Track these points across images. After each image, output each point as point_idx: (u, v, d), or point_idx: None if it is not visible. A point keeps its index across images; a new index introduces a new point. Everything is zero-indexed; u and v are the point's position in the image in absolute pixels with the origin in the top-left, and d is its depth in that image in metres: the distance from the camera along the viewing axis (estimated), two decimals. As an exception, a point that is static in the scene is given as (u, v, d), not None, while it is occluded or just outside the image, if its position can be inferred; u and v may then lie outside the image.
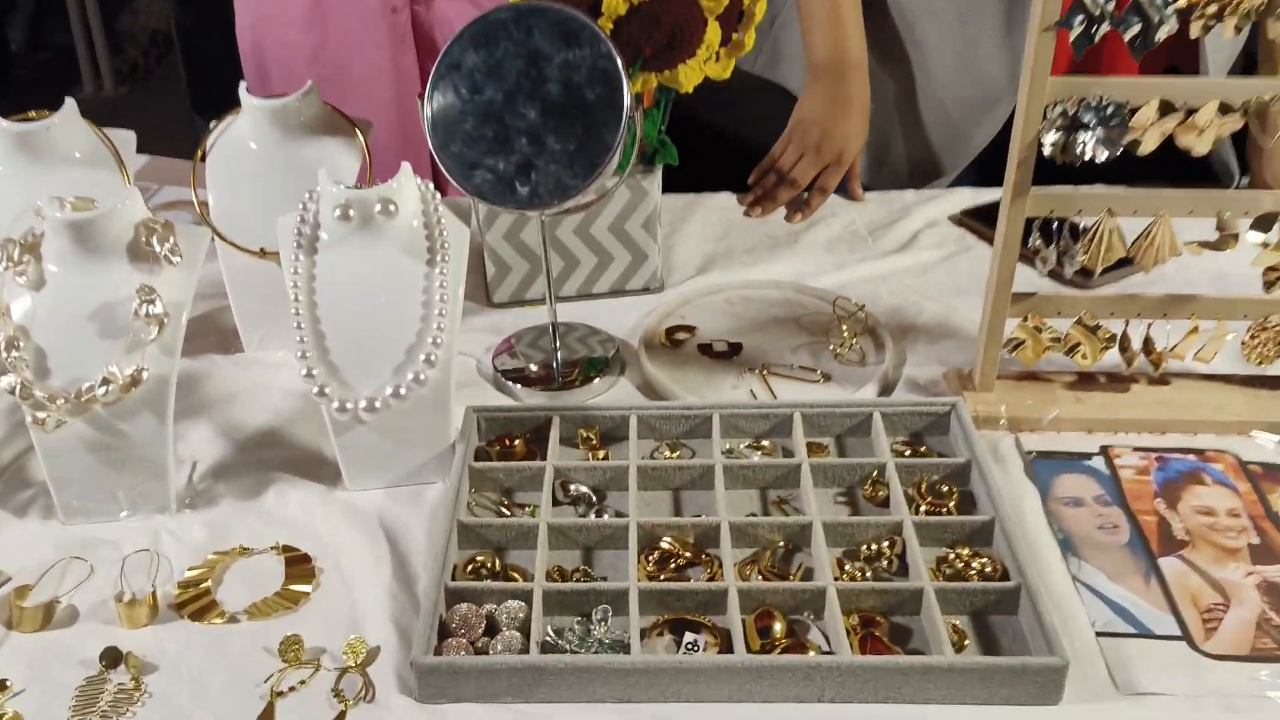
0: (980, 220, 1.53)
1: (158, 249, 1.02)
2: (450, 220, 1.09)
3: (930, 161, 1.65)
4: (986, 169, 1.70)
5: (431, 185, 1.09)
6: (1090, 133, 1.02)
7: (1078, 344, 1.15)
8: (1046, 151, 1.03)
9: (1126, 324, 1.16)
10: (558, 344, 1.26)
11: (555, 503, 1.05)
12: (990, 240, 1.49)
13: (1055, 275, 1.15)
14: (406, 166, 1.07)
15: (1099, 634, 0.93)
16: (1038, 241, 1.11)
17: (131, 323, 1.01)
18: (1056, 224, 1.09)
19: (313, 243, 1.06)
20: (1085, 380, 1.18)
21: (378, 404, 1.03)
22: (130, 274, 1.03)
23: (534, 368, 1.26)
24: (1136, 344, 1.15)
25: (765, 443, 1.12)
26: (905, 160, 1.66)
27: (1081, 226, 1.09)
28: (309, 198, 1.07)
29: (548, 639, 0.89)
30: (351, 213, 1.03)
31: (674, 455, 1.11)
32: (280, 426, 1.17)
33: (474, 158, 1.08)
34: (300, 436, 1.15)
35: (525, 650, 0.88)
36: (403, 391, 1.03)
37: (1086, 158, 1.02)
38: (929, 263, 1.45)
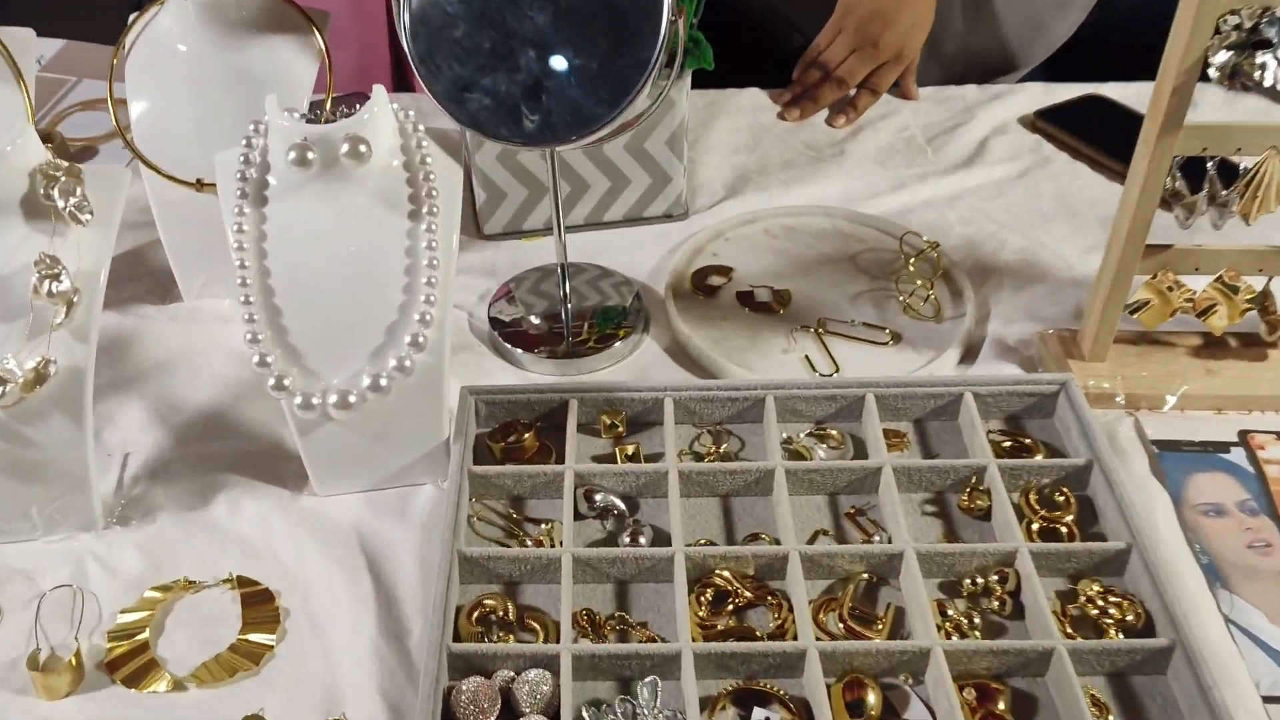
0: (1059, 124, 1.29)
1: (61, 203, 0.78)
2: (438, 158, 0.85)
3: (997, 55, 1.39)
4: (1055, 63, 1.45)
5: (413, 115, 0.84)
6: (1275, 54, 0.78)
7: (1213, 305, 0.93)
8: (1212, 75, 0.80)
9: (1269, 281, 0.94)
10: (568, 297, 1.03)
11: (577, 515, 0.85)
12: (1072, 150, 1.27)
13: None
14: (380, 91, 0.82)
15: (1266, 699, 0.75)
16: (1177, 184, 0.88)
17: (31, 302, 0.77)
18: (1209, 164, 0.87)
19: (261, 190, 0.82)
20: (1214, 345, 0.98)
21: (352, 398, 0.80)
22: (26, 237, 0.78)
23: (537, 320, 1.03)
24: (1282, 304, 0.95)
25: (832, 431, 0.91)
26: (963, 53, 1.40)
27: (1242, 167, 0.86)
28: (254, 131, 0.82)
29: (583, 731, 0.70)
30: (311, 155, 0.78)
31: (717, 449, 0.90)
32: (229, 406, 0.94)
33: (467, 76, 0.83)
34: (255, 421, 0.93)
35: (554, 740, 0.69)
36: (383, 382, 0.81)
37: (1267, 84, 0.78)
38: (1003, 180, 1.22)
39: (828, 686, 0.73)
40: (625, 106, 0.82)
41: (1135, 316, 0.94)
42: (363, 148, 0.79)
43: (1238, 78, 0.80)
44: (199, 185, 0.95)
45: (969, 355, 1.00)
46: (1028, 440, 0.90)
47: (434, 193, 0.82)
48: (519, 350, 0.99)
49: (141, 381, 0.96)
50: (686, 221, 1.16)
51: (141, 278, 1.07)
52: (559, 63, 0.82)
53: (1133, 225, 0.87)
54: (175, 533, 0.84)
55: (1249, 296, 0.93)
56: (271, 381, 0.80)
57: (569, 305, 1.03)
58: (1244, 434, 0.93)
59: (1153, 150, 0.84)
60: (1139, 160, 0.86)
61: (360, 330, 0.82)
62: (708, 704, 0.73)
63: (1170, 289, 0.92)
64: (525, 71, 0.82)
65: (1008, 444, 0.90)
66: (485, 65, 0.83)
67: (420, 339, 0.81)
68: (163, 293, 1.05)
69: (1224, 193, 0.87)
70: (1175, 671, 0.74)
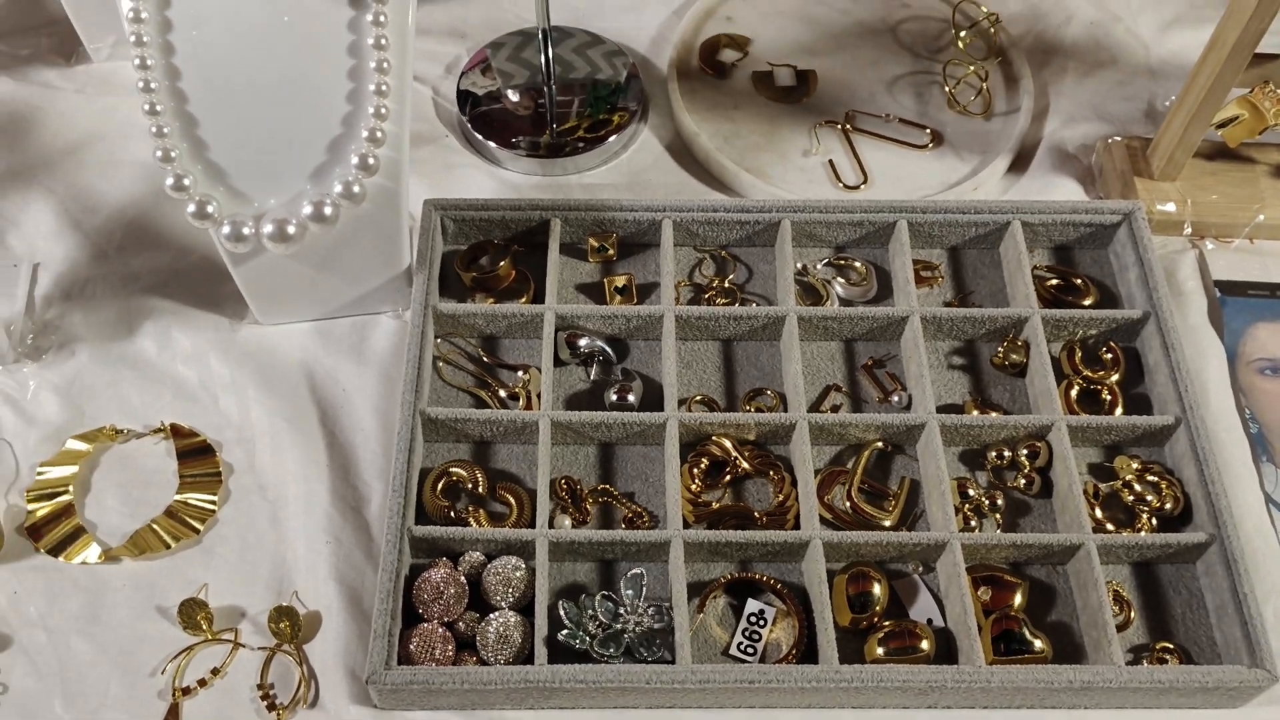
0: None
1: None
2: (385, -80, 0.67)
3: None
4: None
5: None
6: None
7: (1314, 123, 0.79)
8: None
9: (1380, 93, 0.79)
10: (552, 74, 0.87)
11: (558, 362, 0.74)
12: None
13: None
14: None
15: (1302, 596, 0.69)
16: (1307, -23, 0.71)
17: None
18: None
19: (159, -36, 0.64)
20: (1299, 164, 0.84)
21: (291, 228, 0.67)
22: None
23: (516, 96, 0.88)
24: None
25: (855, 262, 0.79)
26: None
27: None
28: (141, -116, 0.63)
29: (560, 636, 0.63)
30: (215, -74, 0.61)
31: (721, 280, 0.78)
32: (154, 207, 0.81)
33: None
34: (184, 226, 0.79)
35: (527, 641, 0.62)
36: (327, 210, 0.67)
37: None
38: (1077, -75, 1.02)
39: (831, 574, 0.66)
40: None
41: (1220, 133, 0.80)
42: (285, -85, 0.61)
43: None
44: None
45: (1020, 162, 0.86)
46: (1078, 281, 0.78)
47: (381, -29, 0.65)
48: (493, 144, 0.85)
49: (47, 172, 0.82)
50: (696, -31, 0.98)
51: (39, 32, 0.89)
52: None
53: (1242, 35, 0.71)
54: (98, 370, 0.74)
55: (1357, 113, 0.78)
56: (191, 208, 0.66)
57: (553, 85, 0.88)
58: (1321, 275, 0.81)
59: (1287, -60, 0.67)
60: (1265, -51, 0.69)
61: (298, 145, 0.67)
62: (698, 590, 0.66)
63: (1268, 106, 0.77)
64: None
65: (1054, 282, 0.78)
66: None
67: (370, 160, 0.67)
68: (67, 51, 0.88)
69: (1363, -7, 0.70)
70: (1207, 565, 0.67)
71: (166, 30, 0.65)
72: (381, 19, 0.66)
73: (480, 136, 0.85)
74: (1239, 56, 0.73)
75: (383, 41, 0.66)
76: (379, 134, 0.67)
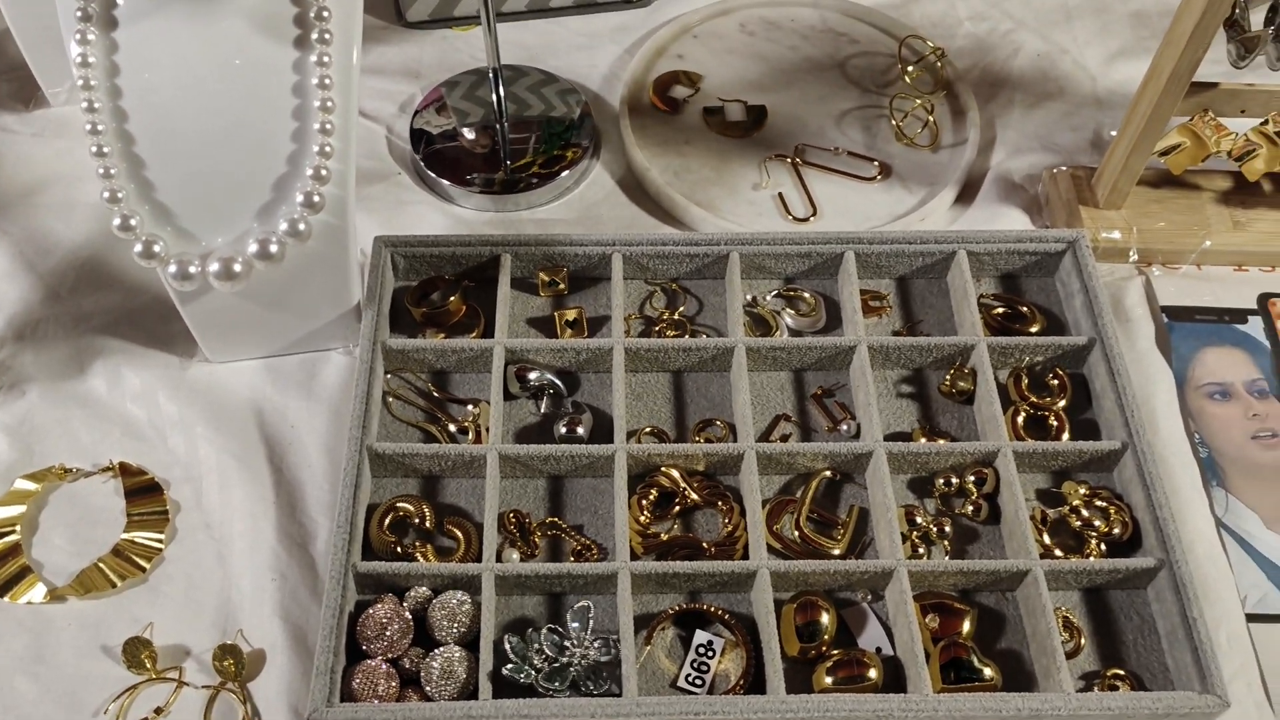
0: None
1: None
2: (328, -38, 0.68)
3: None
4: None
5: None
6: None
7: (1253, 150, 0.80)
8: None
9: (1322, 119, 0.81)
10: (505, 112, 0.88)
11: (508, 395, 0.75)
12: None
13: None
14: (247, -125, 0.64)
15: (1250, 616, 0.69)
16: (1236, 11, 0.72)
17: None
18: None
19: (109, 9, 0.65)
20: (1245, 191, 0.85)
21: (237, 266, 0.68)
22: None
23: (471, 135, 0.89)
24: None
25: (804, 292, 0.80)
26: None
27: (1320, -4, 0.70)
28: (85, -69, 0.64)
29: (505, 670, 0.63)
30: (157, -29, 0.62)
31: (672, 312, 0.78)
32: (107, 248, 0.81)
33: None
34: (135, 268, 0.79)
35: (472, 677, 0.62)
36: (273, 248, 0.68)
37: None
38: (1023, -41, 1.04)
39: (779, 604, 0.66)
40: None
41: (1163, 160, 0.81)
42: (228, -41, 0.62)
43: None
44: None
45: (967, 193, 0.87)
46: (1024, 308, 0.79)
47: (324, 13, 0.66)
48: (446, 181, 0.85)
49: (3, 215, 0.83)
50: (651, 7, 0.99)
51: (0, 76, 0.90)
52: None
53: (1178, 65, 0.72)
54: (48, 410, 0.74)
55: (1297, 141, 0.80)
56: (138, 248, 0.67)
57: (505, 122, 0.89)
58: (1264, 299, 0.82)
59: (1212, -28, 0.68)
60: (1194, -18, 0.70)
61: (244, 185, 0.68)
62: (646, 622, 0.66)
63: (1208, 134, 0.78)
64: None
65: (1000, 310, 0.79)
66: None
67: (315, 198, 0.67)
68: (26, 96, 0.89)
69: (1295, 23, 0.72)
70: (1157, 591, 0.67)
71: (114, 74, 0.66)
72: (325, 59, 0.67)
73: (433, 174, 0.86)
74: (1176, 86, 0.74)
75: (326, 81, 0.67)
76: (324, 172, 0.67)
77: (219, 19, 0.65)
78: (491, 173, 0.86)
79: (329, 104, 0.67)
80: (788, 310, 0.79)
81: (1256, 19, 0.73)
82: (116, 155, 0.66)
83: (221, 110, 0.67)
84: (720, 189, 0.86)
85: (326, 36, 0.66)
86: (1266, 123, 0.79)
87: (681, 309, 0.79)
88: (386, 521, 0.68)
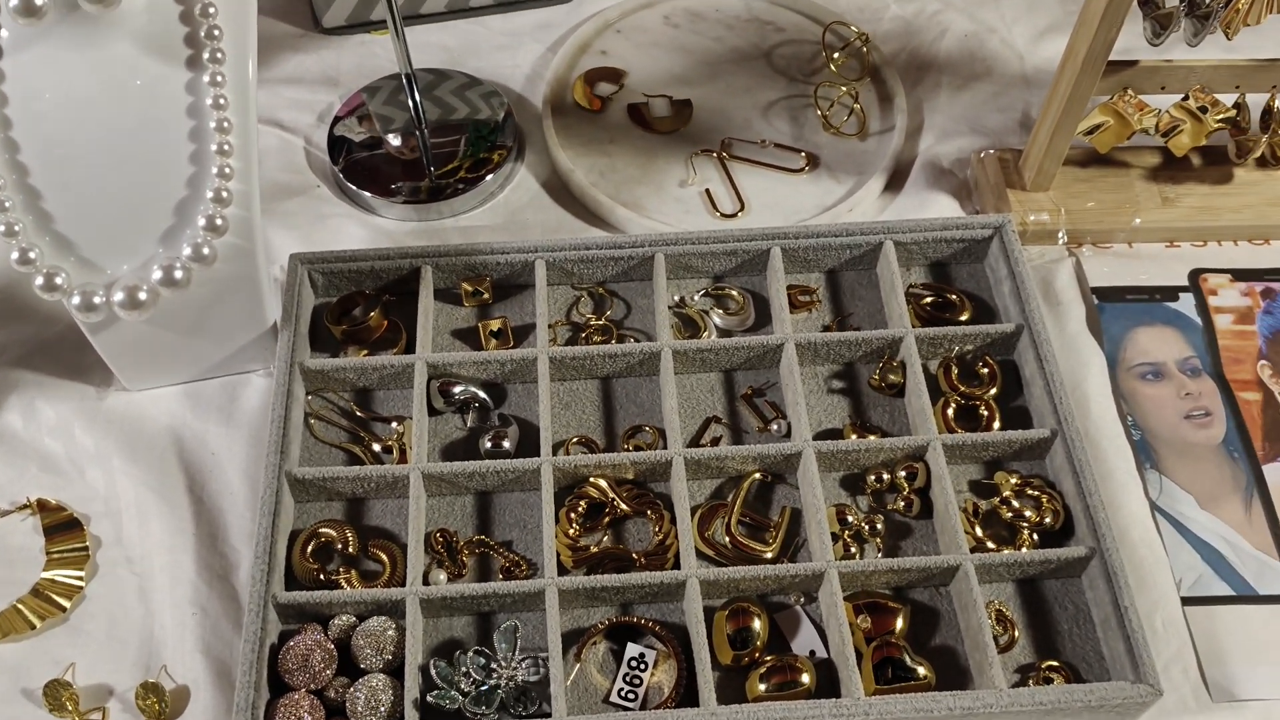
0: None
1: None
2: (220, -21, 0.66)
3: None
4: None
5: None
6: None
7: (1178, 126, 0.79)
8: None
9: (1242, 96, 0.80)
10: (423, 119, 0.87)
11: (433, 411, 0.73)
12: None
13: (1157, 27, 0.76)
14: (124, -107, 0.61)
15: (1185, 600, 0.68)
16: (1152, -16, 0.72)
17: None
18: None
19: (-14, 38, 0.63)
20: (1174, 166, 0.84)
21: (142, 294, 0.66)
22: None
23: (396, 141, 0.87)
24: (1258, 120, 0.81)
25: (731, 291, 0.79)
26: None
27: (1232, -31, 0.70)
28: (-42, -40, 0.62)
29: (430, 697, 0.62)
30: (41, 0, 0.59)
31: (598, 316, 0.77)
32: (17, 282, 0.79)
33: None
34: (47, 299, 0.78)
35: (398, 705, 0.61)
36: (178, 274, 0.66)
37: None
38: (950, -61, 1.02)
39: (710, 612, 0.65)
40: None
41: (1088, 140, 0.80)
42: (109, -17, 0.60)
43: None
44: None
45: (896, 180, 0.86)
46: (953, 295, 0.78)
47: (216, 31, 0.64)
48: (367, 192, 0.84)
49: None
50: (573, 3, 0.97)
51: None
52: None
53: (1093, 45, 0.71)
54: (-39, 447, 0.72)
55: (1220, 115, 0.79)
56: (39, 281, 0.65)
57: (424, 129, 0.87)
58: (1196, 275, 0.82)
59: (1125, -50, 0.67)
60: (1105, -39, 0.69)
61: (145, 211, 0.66)
62: (578, 637, 0.65)
63: (1130, 112, 0.78)
64: None
65: (930, 300, 0.78)
66: None
67: (218, 220, 0.66)
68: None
69: (1207, 0, 0.71)
70: (1090, 579, 0.67)
71: (3, 105, 0.64)
72: (219, 79, 0.65)
73: (353, 185, 0.84)
74: (1093, 65, 0.73)
75: (221, 101, 0.65)
76: (224, 194, 0.66)
77: (107, 43, 0.63)
78: (415, 181, 0.85)
79: (225, 124, 0.65)
80: (716, 309, 0.78)
81: (1174, -7, 0.73)
82: (11, 187, 0.64)
83: (116, 136, 0.65)
84: (647, 187, 0.85)
85: (219, 55, 0.65)
86: (1188, 98, 0.78)
87: (609, 313, 0.78)
88: (310, 548, 0.67)
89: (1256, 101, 0.81)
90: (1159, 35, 0.72)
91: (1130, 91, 0.77)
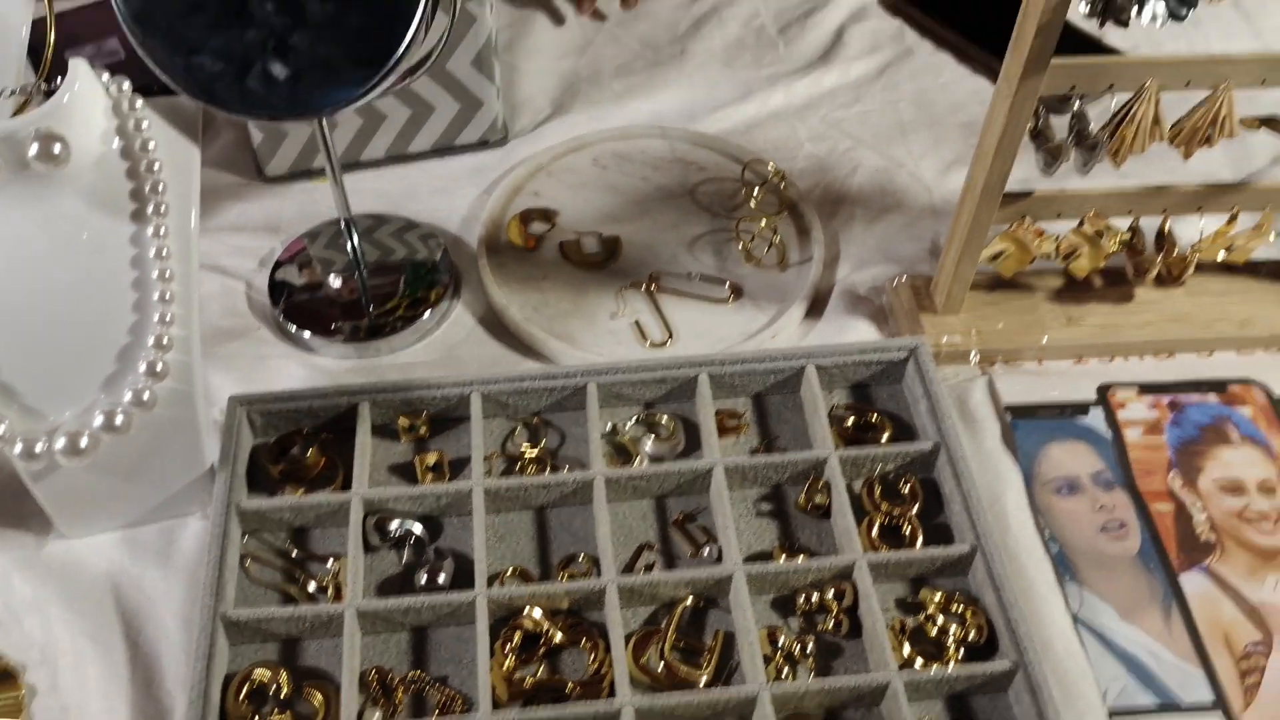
0: (924, 8, 1.16)
1: None
2: (165, 137, 0.69)
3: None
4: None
5: (128, 86, 0.68)
6: (1150, -14, 0.67)
7: (1076, 250, 0.85)
8: (1083, 9, 0.68)
9: (1136, 220, 0.86)
10: (362, 261, 0.90)
11: (369, 548, 0.75)
12: (937, 38, 1.14)
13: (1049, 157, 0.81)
14: (79, 65, 0.65)
15: (1113, 712, 0.70)
16: (1041, 123, 0.77)
17: None
18: (1075, 101, 0.76)
19: (-68, 198, 0.66)
20: (1076, 287, 0.89)
21: (83, 441, 0.68)
22: None
23: (337, 283, 0.90)
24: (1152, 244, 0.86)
25: (661, 417, 0.82)
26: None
27: (1114, 104, 0.75)
28: (-91, 125, 0.65)
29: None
30: (-13, 162, 0.63)
31: (534, 446, 0.79)
32: (-38, 424, 0.81)
33: (193, 36, 0.67)
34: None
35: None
36: (118, 420, 0.68)
37: (1146, 21, 0.67)
38: (860, 80, 1.09)
39: (646, 743, 0.66)
40: (393, 64, 0.67)
41: (992, 266, 0.85)
42: (56, 147, 0.63)
43: (1111, 11, 0.68)
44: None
45: (816, 307, 0.90)
46: (874, 416, 0.81)
47: (160, 186, 0.67)
48: (306, 333, 0.86)
49: None
50: (507, 148, 1.02)
51: None
52: (304, 14, 0.66)
53: (990, 176, 0.77)
54: (-105, 599, 0.72)
55: (1117, 239, 0.84)
56: (-19, 430, 0.66)
57: (363, 270, 0.90)
58: (1104, 390, 0.86)
59: (1014, 93, 0.72)
60: (999, 101, 0.74)
61: (87, 358, 0.68)
62: (514, 772, 0.66)
63: (1029, 240, 0.83)
64: (264, 27, 0.67)
65: (852, 420, 0.81)
66: (213, 21, 0.67)
67: (159, 366, 0.68)
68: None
69: (1094, 132, 0.76)
70: (1016, 694, 0.69)
71: (-55, 261, 0.66)
72: (163, 230, 0.68)
73: (294, 326, 0.87)
74: (991, 197, 0.78)
75: (164, 251, 0.68)
76: (165, 340, 0.68)
77: (56, 200, 0.66)
78: (355, 320, 0.87)
79: (168, 273, 0.68)
80: (648, 436, 0.81)
81: (1061, 124, 0.78)
82: (-47, 341, 0.66)
83: (61, 287, 0.67)
84: (579, 320, 0.88)
85: (163, 208, 0.68)
86: (1083, 224, 0.83)
87: (544, 443, 0.80)
88: (244, 691, 0.67)
89: (1150, 224, 0.86)
90: (1050, 166, 0.78)
91: (1029, 219, 0.82)
